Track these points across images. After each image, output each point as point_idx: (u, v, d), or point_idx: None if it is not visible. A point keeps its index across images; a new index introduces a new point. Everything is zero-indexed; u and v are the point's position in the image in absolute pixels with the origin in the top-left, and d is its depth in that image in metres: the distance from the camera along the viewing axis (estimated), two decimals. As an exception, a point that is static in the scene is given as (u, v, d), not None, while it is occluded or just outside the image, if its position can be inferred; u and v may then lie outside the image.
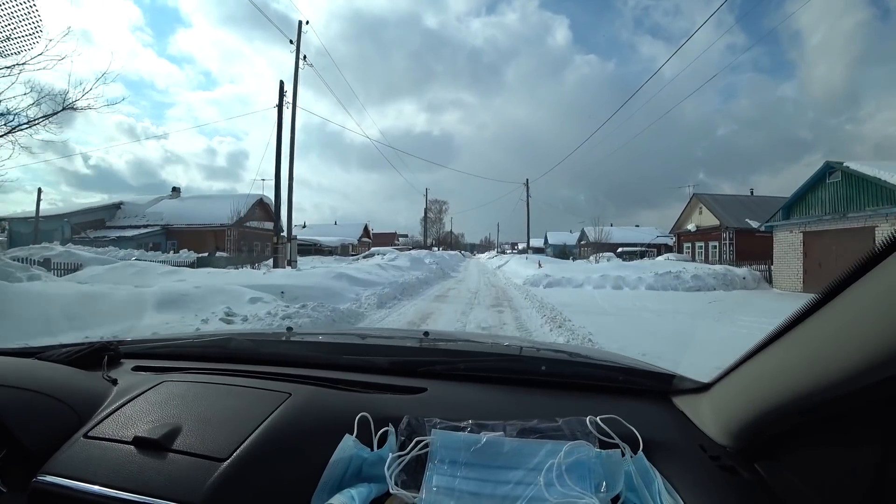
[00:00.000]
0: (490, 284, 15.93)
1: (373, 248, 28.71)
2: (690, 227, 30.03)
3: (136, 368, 1.08)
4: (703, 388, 0.88)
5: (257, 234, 30.31)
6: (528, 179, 35.20)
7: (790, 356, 0.59)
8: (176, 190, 33.00)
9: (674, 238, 33.17)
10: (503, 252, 67.17)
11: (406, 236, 71.70)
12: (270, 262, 17.62)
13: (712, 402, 0.82)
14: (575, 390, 1.00)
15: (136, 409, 0.84)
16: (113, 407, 0.85)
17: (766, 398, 0.64)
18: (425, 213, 53.02)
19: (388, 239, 61.93)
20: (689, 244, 30.84)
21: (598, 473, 0.69)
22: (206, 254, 20.70)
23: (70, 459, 0.72)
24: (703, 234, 28.60)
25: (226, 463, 0.69)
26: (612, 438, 0.74)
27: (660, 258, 25.81)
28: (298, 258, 26.53)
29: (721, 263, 22.07)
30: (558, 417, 0.79)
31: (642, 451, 0.73)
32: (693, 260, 25.53)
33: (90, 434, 0.77)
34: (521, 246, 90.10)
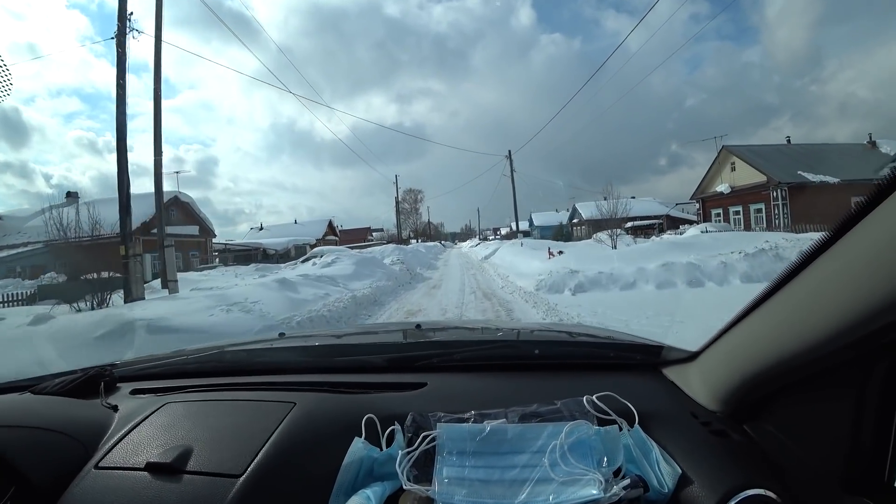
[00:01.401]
0: (482, 295, 10.40)
1: (316, 249, 21.91)
2: (721, 188, 23.28)
3: (135, 392, 1.07)
4: (691, 357, 0.92)
5: (174, 241, 22.85)
6: (510, 151, 28.38)
7: (771, 321, 0.64)
8: (72, 195, 25.05)
9: (696, 204, 26.21)
10: (485, 239, 63.13)
11: (381, 230, 68.44)
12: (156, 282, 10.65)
13: (700, 370, 0.87)
14: (569, 370, 1.04)
15: (143, 434, 0.85)
16: (119, 434, 0.86)
17: (751, 362, 0.69)
18: (397, 202, 45.88)
19: (359, 235, 56.21)
20: (720, 210, 23.79)
21: (598, 450, 0.74)
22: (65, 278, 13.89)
23: (85, 492, 0.74)
24: (741, 195, 22.01)
25: (242, 478, 0.72)
26: (609, 415, 0.79)
27: (689, 231, 18.81)
28: (228, 269, 18.81)
29: (771, 229, 15.12)
30: (556, 400, 0.83)
31: (638, 423, 0.78)
32: (732, 228, 18.51)
33: (101, 464, 0.79)
34: (503, 231, 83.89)
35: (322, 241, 42.32)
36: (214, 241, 32.07)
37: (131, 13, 11.26)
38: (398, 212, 49.99)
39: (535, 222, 54.56)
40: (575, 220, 46.02)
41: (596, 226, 30.38)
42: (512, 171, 32.00)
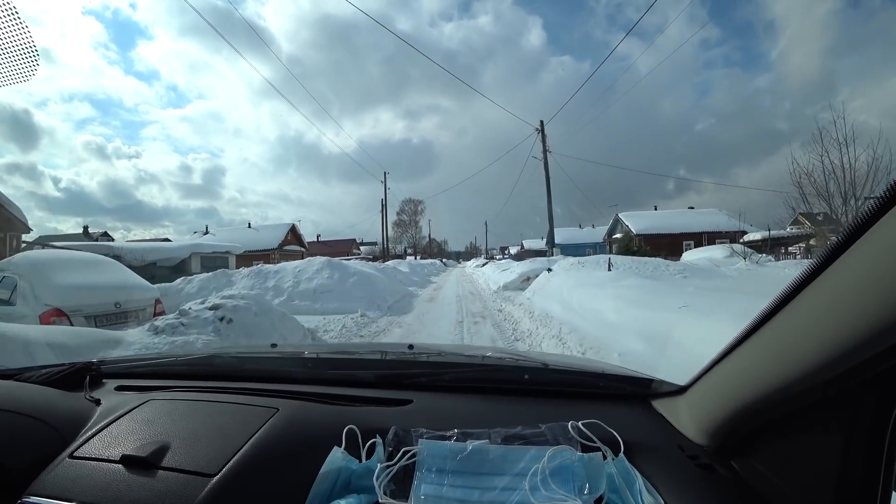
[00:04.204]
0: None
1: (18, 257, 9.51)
2: None
3: (120, 388, 1.07)
4: (680, 390, 0.93)
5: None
6: (542, 122, 15.15)
7: (758, 355, 0.66)
8: None
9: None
10: (492, 258, 54.50)
11: (374, 244, 58.36)
12: None
13: (689, 403, 0.88)
14: (557, 397, 1.04)
15: (123, 428, 0.87)
16: (98, 427, 0.87)
17: (739, 397, 0.70)
18: (384, 206, 33.08)
19: (343, 247, 47.01)
20: None
21: (580, 476, 0.74)
22: None
23: (56, 480, 0.75)
24: None
25: (215, 478, 0.73)
26: (594, 442, 0.81)
27: None
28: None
29: None
30: (541, 424, 0.85)
31: (623, 453, 0.80)
32: None
33: (76, 454, 0.80)
34: (512, 250, 72.13)
35: (278, 252, 29.86)
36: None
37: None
38: (385, 217, 37.79)
39: (556, 239, 40.80)
40: (618, 235, 32.58)
41: (654, 242, 17.32)
42: (545, 150, 19.28)
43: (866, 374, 0.51)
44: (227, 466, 0.74)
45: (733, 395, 0.71)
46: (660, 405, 0.98)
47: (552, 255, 19.99)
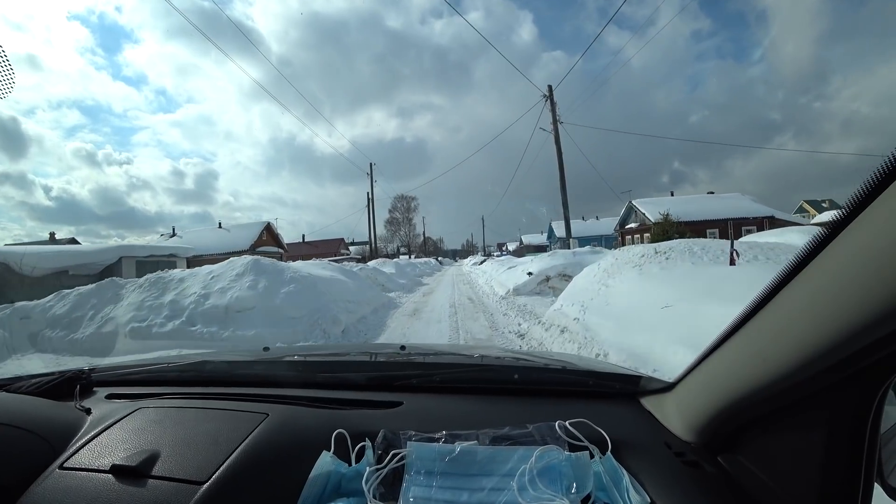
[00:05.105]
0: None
1: None
2: None
3: (110, 396, 1.06)
4: (668, 387, 0.93)
5: None
6: (551, 87, 10.96)
7: (743, 351, 0.66)
8: None
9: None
10: (489, 255, 51.18)
11: (366, 243, 54.20)
12: None
13: (677, 400, 0.88)
14: (547, 396, 1.04)
15: (112, 437, 0.87)
16: (88, 436, 0.87)
17: (725, 393, 0.71)
18: (370, 200, 29.07)
19: (330, 247, 41.81)
20: None
21: (568, 476, 0.75)
22: None
23: (46, 492, 0.75)
24: None
25: (205, 486, 0.74)
26: (581, 441, 0.82)
27: None
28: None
29: None
30: (529, 424, 0.86)
31: (611, 451, 0.82)
32: None
33: (66, 465, 0.80)
34: (511, 247, 68.83)
35: (250, 254, 25.06)
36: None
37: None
38: (371, 212, 33.59)
39: (558, 233, 37.65)
40: (632, 225, 28.75)
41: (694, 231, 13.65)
42: (555, 119, 15.35)
43: (848, 370, 0.51)
44: (217, 473, 0.75)
45: (720, 392, 0.71)
46: (648, 402, 0.98)
47: (569, 248, 16.36)
